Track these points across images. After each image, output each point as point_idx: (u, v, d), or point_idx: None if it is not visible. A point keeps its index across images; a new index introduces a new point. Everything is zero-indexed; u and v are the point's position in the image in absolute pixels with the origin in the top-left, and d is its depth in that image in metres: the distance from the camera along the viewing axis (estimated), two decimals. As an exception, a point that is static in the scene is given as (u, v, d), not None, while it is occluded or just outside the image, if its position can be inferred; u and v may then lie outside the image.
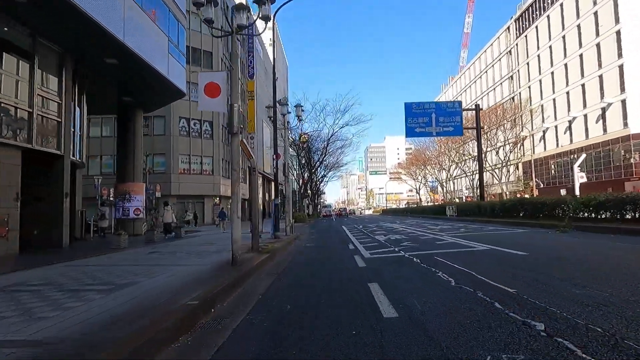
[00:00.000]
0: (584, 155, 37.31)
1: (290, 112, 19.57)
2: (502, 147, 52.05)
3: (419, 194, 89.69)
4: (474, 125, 29.65)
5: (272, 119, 19.18)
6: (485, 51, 70.34)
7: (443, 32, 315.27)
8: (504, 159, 51.12)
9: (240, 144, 10.27)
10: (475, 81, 73.59)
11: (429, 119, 24.14)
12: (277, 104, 17.90)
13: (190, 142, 36.61)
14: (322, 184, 75.00)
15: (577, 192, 31.03)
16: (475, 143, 58.03)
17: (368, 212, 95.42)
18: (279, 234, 16.05)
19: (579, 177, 34.29)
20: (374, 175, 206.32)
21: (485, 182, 61.25)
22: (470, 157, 56.96)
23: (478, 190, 60.00)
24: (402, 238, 14.22)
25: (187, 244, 15.08)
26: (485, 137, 52.79)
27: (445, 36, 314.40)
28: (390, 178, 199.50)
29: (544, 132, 51.87)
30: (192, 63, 37.38)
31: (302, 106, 18.57)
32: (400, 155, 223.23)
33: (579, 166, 35.34)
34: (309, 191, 64.72)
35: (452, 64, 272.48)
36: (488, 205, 22.38)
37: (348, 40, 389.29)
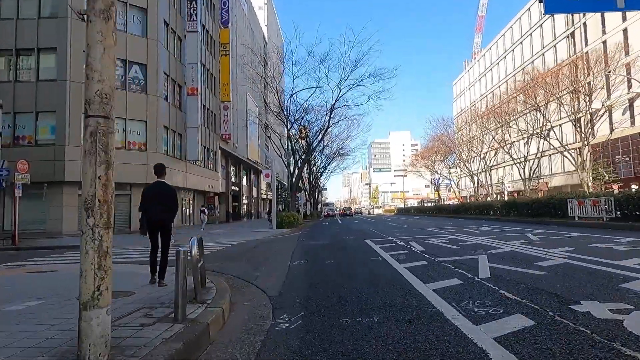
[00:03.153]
0: None
1: None
2: (573, 121, 37.50)
3: (439, 191, 75.29)
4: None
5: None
6: (528, 9, 55.72)
7: (453, 15, 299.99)
8: (585, 136, 36.22)
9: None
10: (513, 48, 59.02)
11: (603, -33, 9.73)
12: None
13: (105, 96, 22.15)
14: (322, 177, 60.55)
15: None
16: (530, 116, 43.44)
17: (377, 211, 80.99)
18: None
19: None
20: (378, 173, 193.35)
21: (537, 171, 46.61)
22: (525, 135, 42.12)
23: (530, 183, 44.82)
24: None
25: None
26: (543, 109, 38.41)
27: (456, 21, 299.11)
28: (396, 175, 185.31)
29: (631, 100, 37.33)
30: None
31: None
32: (406, 152, 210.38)
33: None
34: (305, 183, 50.28)
35: (461, 55, 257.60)
36: None
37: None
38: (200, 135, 28.10)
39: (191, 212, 31.90)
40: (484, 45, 75.85)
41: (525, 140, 43.39)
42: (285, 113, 28.50)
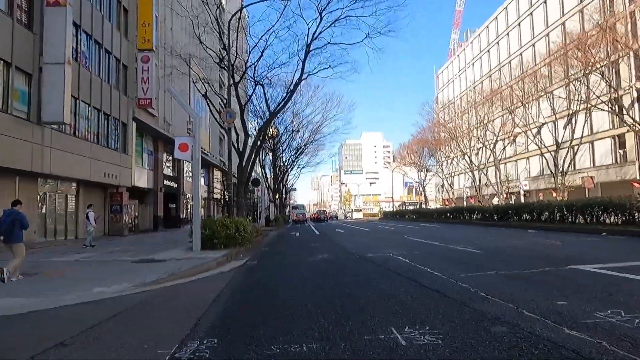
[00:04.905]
0: None
1: None
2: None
3: (425, 192, 65.21)
4: None
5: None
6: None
7: (426, 9, 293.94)
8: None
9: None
10: (520, 22, 49.49)
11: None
12: None
13: None
14: (291, 175, 48.96)
15: None
16: (568, 89, 30.98)
17: (357, 215, 69.78)
18: None
19: None
20: (350, 175, 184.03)
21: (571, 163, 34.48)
22: (563, 112, 31.51)
23: (565, 178, 31.91)
24: None
25: None
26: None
27: (429, 14, 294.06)
28: (367, 177, 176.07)
29: None
30: None
31: None
32: (378, 153, 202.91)
33: None
34: (268, 179, 38.78)
35: (434, 52, 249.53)
36: None
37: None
38: (68, 79, 15.62)
39: (70, 217, 19.31)
40: (477, 25, 66.45)
41: (556, 120, 33.35)
42: (227, 44, 16.46)
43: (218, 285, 6.65)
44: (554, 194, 38.87)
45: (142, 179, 26.81)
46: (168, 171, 33.08)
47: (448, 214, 28.42)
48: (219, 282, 7.05)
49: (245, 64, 19.03)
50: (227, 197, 15.68)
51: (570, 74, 31.31)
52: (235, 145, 18.96)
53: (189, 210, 39.20)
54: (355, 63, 60.22)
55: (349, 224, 35.67)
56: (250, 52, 18.89)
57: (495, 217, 20.79)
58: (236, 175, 18.35)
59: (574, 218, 15.31)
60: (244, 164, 17.75)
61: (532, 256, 8.31)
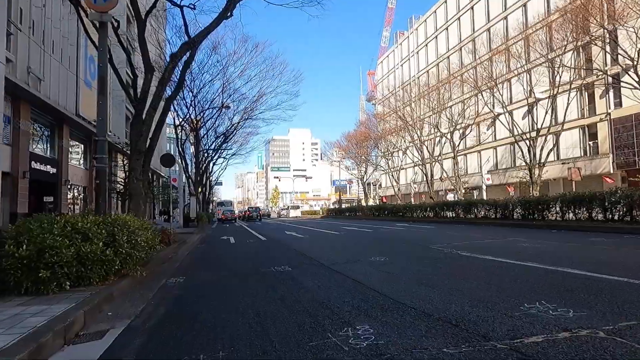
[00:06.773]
0: None
1: None
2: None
3: (365, 188, 60.46)
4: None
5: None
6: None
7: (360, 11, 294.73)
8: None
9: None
10: (474, 5, 45.97)
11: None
12: None
13: None
14: (217, 159, 40.59)
15: None
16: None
17: (294, 213, 62.45)
18: None
19: None
20: (277, 172, 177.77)
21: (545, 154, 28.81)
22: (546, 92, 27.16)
23: (541, 171, 24.34)
24: None
25: None
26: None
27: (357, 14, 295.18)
28: (295, 174, 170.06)
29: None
30: None
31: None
32: (306, 151, 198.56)
33: None
34: (187, 166, 30.66)
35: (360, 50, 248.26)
36: None
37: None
38: None
39: None
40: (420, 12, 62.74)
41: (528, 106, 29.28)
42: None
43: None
44: (512, 191, 35.22)
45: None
46: (39, 149, 23.22)
47: (428, 211, 22.37)
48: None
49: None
50: (96, 171, 7.52)
51: (551, 50, 27.22)
52: (132, 93, 10.83)
53: (75, 203, 29.34)
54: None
55: (294, 224, 28.38)
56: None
57: (517, 215, 14.87)
58: (128, 141, 10.35)
59: None
60: (143, 118, 9.73)
61: None
